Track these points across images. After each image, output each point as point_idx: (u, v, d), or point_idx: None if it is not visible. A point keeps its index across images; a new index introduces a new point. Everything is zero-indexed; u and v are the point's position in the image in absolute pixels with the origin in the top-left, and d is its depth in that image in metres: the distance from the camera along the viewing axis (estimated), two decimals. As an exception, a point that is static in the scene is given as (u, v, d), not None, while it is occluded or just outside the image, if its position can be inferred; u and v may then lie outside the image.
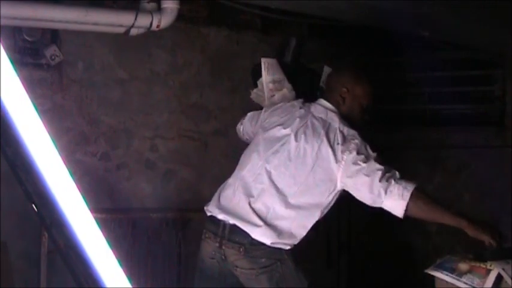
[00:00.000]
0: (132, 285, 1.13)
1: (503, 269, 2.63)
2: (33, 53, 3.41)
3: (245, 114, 3.16)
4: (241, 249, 2.60)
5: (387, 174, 2.53)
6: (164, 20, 3.36)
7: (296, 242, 2.64)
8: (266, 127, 2.84)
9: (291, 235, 2.62)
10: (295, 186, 2.63)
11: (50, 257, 3.21)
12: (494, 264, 2.65)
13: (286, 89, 3.11)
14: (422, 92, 4.42)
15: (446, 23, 3.31)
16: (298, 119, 2.74)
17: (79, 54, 3.61)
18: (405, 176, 2.60)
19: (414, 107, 4.48)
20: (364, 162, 2.55)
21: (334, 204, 2.72)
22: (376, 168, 2.54)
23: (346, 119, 2.76)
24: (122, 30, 3.40)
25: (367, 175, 2.54)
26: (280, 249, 2.60)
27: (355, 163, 2.56)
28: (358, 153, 2.57)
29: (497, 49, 3.96)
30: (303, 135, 2.68)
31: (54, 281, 3.23)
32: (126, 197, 3.75)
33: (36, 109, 1.08)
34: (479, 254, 2.76)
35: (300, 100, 2.91)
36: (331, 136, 2.64)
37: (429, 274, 2.85)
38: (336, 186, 2.62)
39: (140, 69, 3.82)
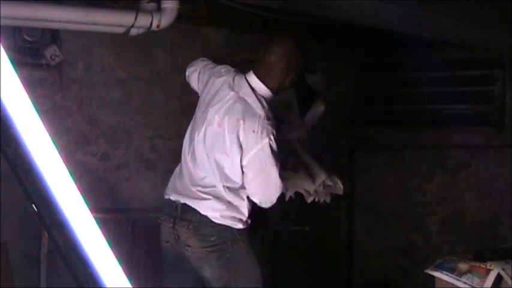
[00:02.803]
0: (132, 285, 1.13)
1: (503, 269, 2.64)
2: (33, 53, 3.41)
3: None
4: (190, 227, 2.60)
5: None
6: (164, 20, 3.35)
7: (244, 219, 2.63)
8: (204, 101, 2.76)
9: (238, 209, 2.61)
10: (227, 167, 2.60)
11: (50, 257, 3.20)
12: (494, 264, 2.65)
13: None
14: (422, 92, 4.42)
15: (446, 23, 3.31)
16: (225, 100, 2.66)
17: (79, 54, 3.61)
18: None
19: (414, 107, 4.48)
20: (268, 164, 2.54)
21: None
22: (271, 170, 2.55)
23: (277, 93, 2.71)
24: (121, 30, 3.39)
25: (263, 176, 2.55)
26: (231, 228, 2.60)
27: (259, 160, 2.54)
28: (270, 151, 2.53)
29: (497, 49, 3.96)
30: (225, 120, 2.61)
31: (54, 281, 3.23)
32: (126, 197, 3.75)
33: (36, 109, 1.09)
34: (479, 254, 2.76)
35: (232, 74, 2.76)
36: (248, 124, 2.56)
37: (429, 274, 2.86)
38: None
39: (140, 69, 3.81)
